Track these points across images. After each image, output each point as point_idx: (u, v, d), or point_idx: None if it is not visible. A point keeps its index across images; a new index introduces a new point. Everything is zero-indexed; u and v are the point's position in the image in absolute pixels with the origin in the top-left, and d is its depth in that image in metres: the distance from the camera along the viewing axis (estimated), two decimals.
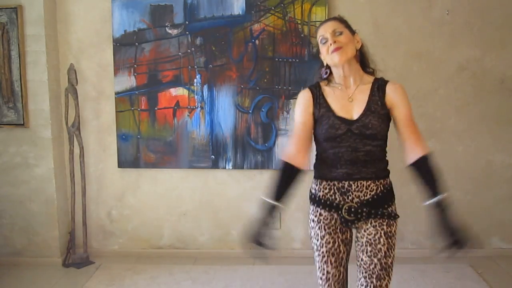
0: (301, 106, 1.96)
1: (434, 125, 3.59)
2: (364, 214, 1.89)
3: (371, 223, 1.91)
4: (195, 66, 3.53)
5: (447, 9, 3.46)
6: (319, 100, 1.93)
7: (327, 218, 1.94)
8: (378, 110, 1.88)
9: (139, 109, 3.58)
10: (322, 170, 1.96)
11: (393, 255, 1.93)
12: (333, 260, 1.93)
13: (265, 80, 3.51)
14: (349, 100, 1.90)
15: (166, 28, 3.50)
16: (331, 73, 1.97)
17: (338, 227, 1.94)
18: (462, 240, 1.86)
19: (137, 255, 3.71)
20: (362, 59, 1.97)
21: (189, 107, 3.56)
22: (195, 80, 3.54)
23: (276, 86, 3.51)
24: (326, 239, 1.93)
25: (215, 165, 3.60)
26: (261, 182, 3.65)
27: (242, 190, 3.67)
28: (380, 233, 1.90)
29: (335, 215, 1.93)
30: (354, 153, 1.87)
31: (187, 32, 3.50)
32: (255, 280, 3.30)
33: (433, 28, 3.48)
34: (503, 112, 3.57)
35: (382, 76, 1.99)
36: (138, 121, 3.59)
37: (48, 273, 3.42)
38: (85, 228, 3.61)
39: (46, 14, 3.40)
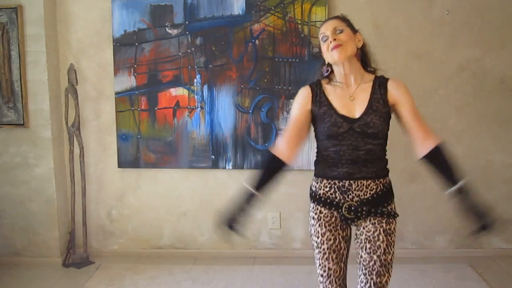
0: (299, 102, 1.99)
1: (434, 125, 3.53)
2: (364, 212, 1.91)
3: (370, 221, 1.93)
4: (195, 66, 3.53)
5: (447, 9, 3.46)
6: (320, 97, 1.94)
7: (327, 216, 1.96)
8: (380, 109, 1.89)
9: (139, 109, 3.58)
10: (323, 169, 1.97)
11: (393, 252, 1.93)
12: (334, 256, 1.95)
13: (265, 80, 3.51)
14: (350, 99, 1.92)
15: (166, 28, 3.50)
16: (332, 71, 1.98)
17: (339, 224, 1.96)
18: (490, 222, 1.85)
19: (137, 255, 3.71)
20: (364, 58, 1.98)
21: (189, 107, 3.56)
22: (195, 80, 3.54)
23: (276, 86, 3.51)
24: (327, 236, 1.95)
25: (215, 165, 3.60)
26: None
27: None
28: (379, 230, 1.91)
29: (335, 213, 1.95)
30: (355, 152, 1.88)
31: (187, 32, 3.50)
32: (255, 280, 3.30)
33: (433, 28, 3.48)
34: (503, 112, 3.57)
35: (382, 75, 2.00)
36: (138, 121, 3.59)
37: (48, 273, 3.43)
38: (85, 228, 3.61)
39: (46, 14, 3.40)
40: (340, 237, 1.96)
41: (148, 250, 3.75)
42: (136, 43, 3.52)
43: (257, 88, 3.52)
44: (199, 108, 3.56)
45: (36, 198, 3.53)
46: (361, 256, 1.95)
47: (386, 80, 1.95)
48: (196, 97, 3.55)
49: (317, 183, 1.99)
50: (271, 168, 1.99)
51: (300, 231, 3.69)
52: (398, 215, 1.98)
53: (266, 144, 3.56)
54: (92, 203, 3.70)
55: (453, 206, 1.86)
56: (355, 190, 1.91)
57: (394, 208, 1.99)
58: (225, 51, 3.50)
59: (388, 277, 1.92)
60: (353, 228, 2.03)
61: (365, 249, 1.93)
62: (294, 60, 3.48)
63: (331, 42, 1.88)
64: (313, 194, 2.02)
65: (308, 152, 3.54)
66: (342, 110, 1.90)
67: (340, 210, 1.93)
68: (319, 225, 1.96)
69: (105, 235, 3.75)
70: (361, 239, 1.95)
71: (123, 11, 3.49)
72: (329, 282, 1.95)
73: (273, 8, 3.45)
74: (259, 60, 3.49)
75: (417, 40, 3.49)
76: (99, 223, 3.74)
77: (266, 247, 3.72)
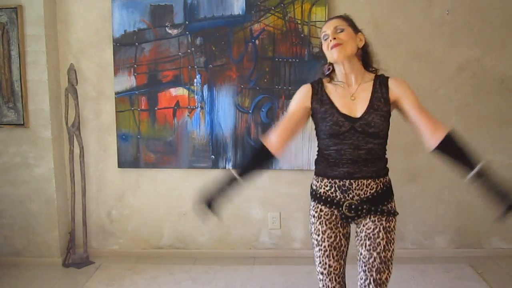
0: (297, 99, 2.02)
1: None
2: (364, 210, 1.93)
3: (370, 218, 1.95)
4: (195, 66, 3.53)
5: (447, 9, 3.46)
6: (321, 96, 1.96)
7: (328, 214, 1.97)
8: (381, 108, 1.90)
9: (139, 109, 3.58)
10: (323, 168, 1.98)
11: (393, 249, 1.94)
12: (335, 254, 1.96)
13: (265, 80, 3.51)
14: (351, 98, 1.93)
15: (166, 28, 3.50)
16: (334, 70, 2.00)
17: (339, 222, 1.98)
18: None
19: (137, 255, 3.71)
20: (365, 58, 1.99)
21: (189, 107, 3.56)
22: (195, 80, 3.54)
23: (276, 86, 3.51)
24: (328, 234, 1.96)
25: (215, 165, 3.60)
26: (261, 182, 3.64)
27: (242, 190, 3.66)
28: (379, 227, 1.93)
29: (336, 211, 1.97)
30: (356, 151, 1.90)
31: (187, 32, 3.50)
32: (255, 280, 3.30)
33: (433, 28, 3.48)
34: (503, 112, 3.57)
35: (383, 74, 2.01)
36: (138, 121, 3.59)
37: (48, 273, 3.43)
38: (85, 228, 3.61)
39: (46, 14, 3.40)
40: (340, 234, 1.98)
41: (148, 250, 3.75)
42: (136, 43, 3.52)
43: (257, 88, 3.52)
44: (199, 108, 3.56)
45: (36, 198, 3.53)
46: (361, 253, 1.96)
47: (387, 78, 1.96)
48: (196, 97, 3.55)
49: (318, 182, 2.01)
50: (259, 158, 2.04)
51: (300, 231, 3.69)
52: (398, 213, 2.00)
53: None
54: (92, 203, 3.70)
55: (477, 189, 1.80)
56: (355, 189, 1.92)
57: (394, 206, 2.00)
58: (225, 51, 3.50)
59: (388, 273, 1.92)
60: (353, 226, 2.04)
61: (365, 246, 1.94)
62: (294, 60, 3.48)
63: (331, 41, 1.90)
64: (314, 192, 2.03)
65: (308, 152, 3.55)
66: (343, 109, 1.91)
67: (340, 209, 1.95)
68: (320, 223, 1.98)
69: (105, 235, 3.75)
70: (361, 237, 1.97)
71: (123, 11, 3.49)
72: (329, 279, 1.96)
73: (273, 8, 3.45)
74: (259, 60, 3.49)
75: (417, 40, 3.50)
76: (99, 223, 3.74)
77: (266, 247, 3.72)
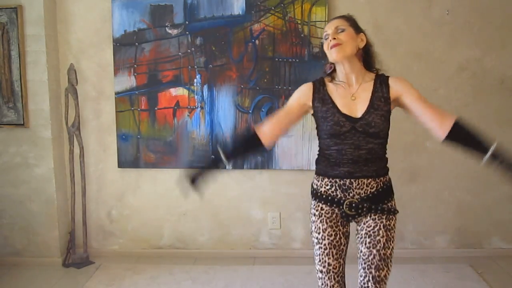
0: (297, 95, 2.05)
1: None
2: (364, 209, 1.95)
3: (370, 216, 1.97)
4: (195, 66, 3.53)
5: (447, 9, 3.46)
6: (322, 95, 1.98)
7: (329, 212, 1.99)
8: (381, 107, 1.92)
9: (139, 109, 3.58)
10: (324, 167, 2.00)
11: (392, 247, 1.96)
12: (334, 252, 1.97)
13: (265, 80, 3.51)
14: (351, 98, 1.94)
15: (166, 28, 3.50)
16: (335, 70, 2.01)
17: (339, 221, 1.99)
18: None
19: (137, 255, 3.71)
20: (367, 59, 2.00)
21: (189, 107, 3.56)
22: (195, 80, 3.54)
23: (276, 86, 3.51)
24: (328, 232, 1.97)
25: (215, 165, 3.59)
26: (261, 182, 3.65)
27: (242, 190, 3.68)
28: (379, 225, 1.95)
29: (336, 210, 1.98)
30: (357, 151, 1.91)
31: (187, 32, 3.50)
32: (255, 280, 3.30)
33: (433, 28, 3.48)
34: (503, 112, 3.57)
35: (383, 73, 2.03)
36: (138, 121, 3.59)
37: (48, 273, 3.43)
38: (85, 228, 3.61)
39: (46, 14, 3.40)
40: (340, 233, 1.99)
41: (148, 250, 3.75)
42: (136, 43, 3.52)
43: (257, 88, 3.52)
44: (199, 108, 3.56)
45: (36, 198, 3.53)
46: (361, 251, 1.97)
47: (387, 77, 1.98)
48: (196, 97, 3.55)
49: (318, 181, 2.02)
50: (249, 145, 2.08)
51: (300, 231, 3.69)
52: (398, 212, 2.01)
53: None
54: (92, 203, 3.70)
55: (496, 171, 1.78)
56: (355, 188, 1.94)
57: (394, 205, 2.02)
58: (225, 51, 3.50)
59: (387, 271, 1.94)
60: (353, 226, 2.05)
61: (365, 244, 1.96)
62: (294, 60, 3.48)
63: (330, 40, 1.92)
64: (314, 191, 2.04)
65: (308, 152, 3.55)
66: (344, 109, 1.93)
67: (341, 207, 1.96)
68: (320, 221, 1.99)
69: (105, 235, 3.75)
70: (362, 234, 1.98)
71: (123, 11, 3.49)
72: (328, 278, 1.97)
73: (273, 8, 3.45)
74: (259, 60, 3.49)
75: (417, 40, 3.50)
76: (99, 223, 3.74)
77: (266, 247, 3.72)
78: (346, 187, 1.94)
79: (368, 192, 1.94)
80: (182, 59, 3.52)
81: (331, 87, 1.99)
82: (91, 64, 3.59)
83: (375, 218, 1.96)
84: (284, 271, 3.41)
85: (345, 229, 2.01)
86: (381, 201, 1.96)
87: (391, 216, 1.97)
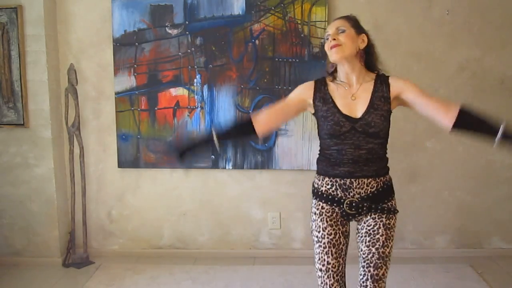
0: (298, 91, 2.07)
1: (434, 125, 3.54)
2: (364, 208, 1.96)
3: (370, 216, 1.98)
4: (195, 66, 3.53)
5: (447, 9, 3.46)
6: (323, 94, 1.99)
7: (329, 211, 2.00)
8: (381, 107, 1.93)
9: (139, 109, 3.58)
10: (325, 167, 2.01)
11: (391, 246, 1.98)
12: (333, 251, 1.98)
13: (265, 80, 3.51)
14: (352, 99, 1.96)
15: (166, 28, 3.50)
16: (337, 69, 2.04)
17: (339, 220, 2.00)
18: None
19: (137, 255, 3.71)
20: (368, 59, 2.01)
21: (189, 107, 3.56)
22: (195, 80, 3.54)
23: (276, 86, 3.51)
24: (328, 231, 1.99)
25: (215, 165, 3.60)
26: (261, 182, 3.65)
27: (242, 190, 3.67)
28: (379, 224, 1.96)
29: (337, 209, 1.99)
30: (357, 151, 1.92)
31: (187, 32, 3.50)
32: (255, 280, 3.30)
33: (433, 28, 3.48)
34: (503, 112, 3.53)
35: (383, 73, 2.04)
36: (138, 121, 3.59)
37: (48, 273, 3.43)
38: (85, 228, 3.61)
39: (46, 14, 3.39)
40: (340, 232, 2.00)
41: (148, 250, 3.75)
42: (136, 43, 3.52)
43: (257, 88, 3.52)
44: (199, 108, 3.56)
45: (36, 198, 3.53)
46: (361, 250, 1.99)
47: (387, 77, 1.99)
48: (196, 97, 3.55)
49: (319, 180, 2.04)
50: (242, 131, 2.11)
51: (300, 231, 3.69)
52: (398, 211, 2.03)
53: (266, 144, 3.56)
54: (92, 203, 3.70)
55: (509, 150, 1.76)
56: (356, 188, 1.95)
57: (395, 204, 2.03)
58: (225, 51, 3.50)
59: (385, 269, 1.95)
60: (353, 226, 2.06)
61: (365, 242, 1.98)
62: (294, 60, 3.48)
63: (331, 41, 1.94)
64: (315, 190, 2.06)
65: (308, 152, 3.55)
66: (344, 110, 1.94)
67: (341, 206, 1.98)
68: (321, 219, 2.00)
69: (105, 235, 3.75)
70: (362, 233, 2.00)
71: (123, 11, 3.49)
72: (327, 276, 1.98)
73: (273, 8, 3.45)
74: (259, 60, 3.49)
75: (417, 40, 3.49)
76: (99, 223, 3.74)
77: (266, 247, 3.72)
78: (347, 186, 1.95)
79: (369, 192, 1.95)
80: (182, 59, 3.52)
81: (332, 87, 2.00)
82: (91, 64, 3.59)
83: (375, 217, 1.97)
84: (284, 271, 3.41)
85: (344, 228, 2.02)
86: (381, 201, 1.97)
87: (391, 215, 1.98)
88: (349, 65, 1.96)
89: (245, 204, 3.68)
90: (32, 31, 3.37)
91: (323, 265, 1.98)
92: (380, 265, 1.94)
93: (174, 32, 3.50)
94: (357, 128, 1.91)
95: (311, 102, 2.01)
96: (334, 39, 1.93)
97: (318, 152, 2.07)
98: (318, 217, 2.01)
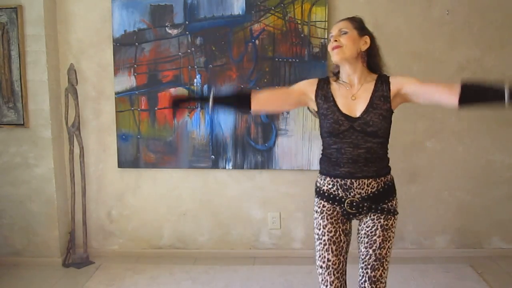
0: (301, 84, 2.12)
1: (434, 125, 3.59)
2: (365, 208, 1.98)
3: (370, 216, 2.00)
4: (195, 66, 3.53)
5: (447, 9, 3.46)
6: (325, 92, 2.02)
7: (330, 210, 2.02)
8: (380, 106, 1.94)
9: (139, 109, 3.58)
10: (326, 167, 2.04)
11: (388, 247, 1.98)
12: (334, 248, 2.00)
13: (265, 80, 3.51)
14: (352, 98, 1.98)
15: (166, 28, 3.50)
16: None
17: (340, 218, 2.02)
18: None
19: (137, 255, 3.71)
20: (371, 61, 2.03)
21: (189, 107, 3.56)
22: (195, 80, 3.54)
23: (276, 86, 3.51)
24: (328, 228, 2.01)
25: (215, 165, 3.60)
26: (261, 182, 3.65)
27: (242, 190, 3.67)
28: (377, 225, 1.98)
29: (338, 208, 2.02)
30: (356, 150, 1.94)
31: (187, 32, 3.50)
32: (255, 280, 3.30)
33: (433, 28, 3.48)
34: (503, 112, 3.55)
35: (384, 74, 2.06)
36: (138, 121, 3.59)
37: (48, 273, 3.42)
38: (85, 228, 3.61)
39: (46, 14, 3.39)
40: (340, 230, 2.02)
41: (148, 250, 3.75)
42: (136, 43, 3.52)
43: (257, 88, 3.51)
44: (199, 108, 3.56)
45: (36, 198, 3.53)
46: (360, 251, 2.02)
47: (388, 77, 2.02)
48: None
49: (321, 180, 2.06)
50: (238, 101, 2.17)
51: (300, 231, 3.69)
52: (397, 213, 2.03)
53: (266, 144, 3.56)
54: (92, 203, 3.70)
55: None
56: (356, 188, 1.97)
57: (395, 204, 2.04)
58: (225, 51, 3.50)
59: (382, 270, 1.97)
60: (354, 226, 2.08)
61: (363, 244, 2.00)
62: (294, 60, 3.48)
63: (333, 42, 1.97)
64: (318, 189, 2.08)
65: (308, 152, 3.55)
66: (344, 109, 1.97)
67: (342, 205, 2.00)
68: (321, 217, 2.03)
69: (105, 235, 3.75)
70: (361, 234, 2.03)
71: (123, 11, 3.49)
72: (328, 273, 1.99)
73: (273, 8, 3.45)
74: (259, 60, 3.49)
75: (417, 40, 3.50)
76: (99, 223, 3.74)
77: (266, 247, 3.72)
78: (347, 186, 1.97)
79: (369, 192, 1.97)
80: (182, 59, 3.52)
81: (334, 86, 2.04)
82: (91, 64, 3.59)
83: (374, 218, 1.99)
84: (284, 271, 3.41)
85: (345, 227, 2.03)
86: (381, 201, 1.99)
87: (389, 216, 1.99)
88: (350, 66, 1.99)
89: (245, 204, 3.68)
90: (32, 31, 3.37)
91: (324, 262, 2.00)
92: (377, 266, 1.96)
93: (174, 32, 3.50)
94: (356, 127, 1.93)
95: (313, 98, 2.04)
96: (336, 41, 1.96)
97: (321, 152, 2.09)
98: (319, 215, 2.03)
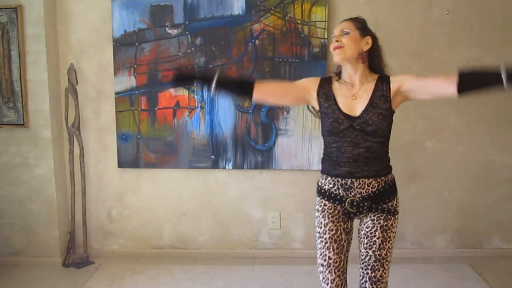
0: (304, 80, 2.14)
1: (434, 125, 3.59)
2: (365, 207, 1.99)
3: (370, 217, 2.02)
4: (195, 66, 3.53)
5: (447, 9, 3.46)
6: (327, 91, 2.04)
7: (331, 208, 2.03)
8: (380, 105, 1.96)
9: (139, 109, 3.58)
10: (327, 167, 2.06)
11: (388, 247, 1.99)
12: (335, 246, 2.01)
13: (265, 80, 3.51)
14: (352, 98, 2.00)
15: (166, 28, 3.50)
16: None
17: (341, 217, 2.04)
18: None
19: (137, 255, 3.71)
20: (373, 61, 2.04)
21: (189, 107, 3.56)
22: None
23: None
24: (329, 227, 2.02)
25: (215, 165, 3.60)
26: (261, 182, 3.65)
27: (242, 190, 3.67)
28: (377, 226, 1.99)
29: (339, 207, 2.03)
30: (355, 149, 1.95)
31: (187, 32, 3.50)
32: (255, 280, 3.30)
33: (433, 28, 3.48)
34: (503, 112, 3.57)
35: (385, 74, 2.07)
36: (138, 121, 3.59)
37: (48, 273, 3.42)
38: (85, 228, 3.61)
39: (46, 14, 3.39)
40: (341, 228, 2.03)
41: (148, 250, 3.75)
42: (136, 43, 3.52)
43: None
44: (199, 108, 3.56)
45: (36, 198, 3.53)
46: (360, 251, 2.03)
47: (388, 76, 2.03)
48: (196, 97, 3.55)
49: (323, 179, 2.08)
50: (241, 88, 2.16)
51: (300, 231, 3.69)
52: (398, 212, 2.04)
53: (266, 144, 3.56)
54: (92, 203, 3.70)
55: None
56: (357, 187, 1.98)
57: (396, 204, 2.05)
58: (225, 51, 3.50)
59: (383, 271, 1.97)
60: (355, 225, 2.09)
61: (363, 244, 2.02)
62: (294, 60, 3.48)
63: (334, 42, 1.99)
64: (319, 188, 2.10)
65: (308, 152, 3.55)
66: (344, 108, 1.99)
67: (343, 204, 2.01)
68: (323, 216, 2.04)
69: (105, 235, 3.75)
70: (361, 235, 2.04)
71: (123, 11, 3.49)
72: (329, 271, 2.00)
73: (273, 8, 3.45)
74: (259, 60, 3.49)
75: (417, 40, 3.50)
76: (99, 223, 3.74)
77: (266, 247, 3.72)
78: (348, 186, 1.98)
79: (370, 192, 1.98)
80: (182, 59, 3.52)
81: (336, 86, 2.05)
82: (91, 64, 3.59)
83: (374, 219, 2.00)
84: (284, 271, 3.41)
85: (346, 225, 2.04)
86: (382, 200, 2.00)
87: (389, 217, 2.00)
88: (351, 66, 2.00)
89: (245, 204, 3.68)
90: (32, 31, 3.37)
91: (325, 260, 2.00)
92: (377, 267, 1.96)
93: (174, 32, 3.50)
94: (355, 126, 1.95)
95: (315, 95, 2.06)
96: (338, 41, 1.97)
97: (323, 152, 2.11)
98: (320, 214, 2.05)
